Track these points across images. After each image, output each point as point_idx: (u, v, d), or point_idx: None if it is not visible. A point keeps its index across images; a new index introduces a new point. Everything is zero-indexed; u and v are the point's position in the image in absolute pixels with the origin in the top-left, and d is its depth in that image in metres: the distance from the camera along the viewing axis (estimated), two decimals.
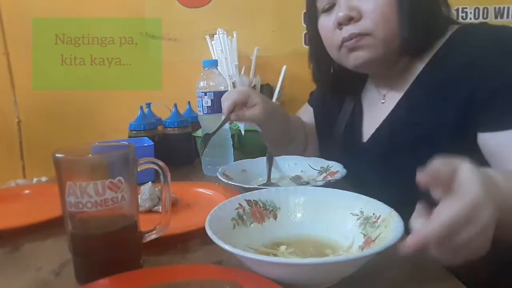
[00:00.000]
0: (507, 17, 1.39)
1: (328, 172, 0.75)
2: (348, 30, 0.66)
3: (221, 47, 1.28)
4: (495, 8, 1.39)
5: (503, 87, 0.56)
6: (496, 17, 1.40)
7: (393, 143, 0.68)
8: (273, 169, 0.79)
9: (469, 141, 0.59)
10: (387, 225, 0.45)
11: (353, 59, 0.69)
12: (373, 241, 0.45)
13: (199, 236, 0.47)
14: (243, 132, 0.79)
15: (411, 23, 0.63)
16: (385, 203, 0.48)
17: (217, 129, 0.78)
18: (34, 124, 1.44)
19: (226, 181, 0.69)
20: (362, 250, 0.46)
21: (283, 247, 0.47)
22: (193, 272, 0.42)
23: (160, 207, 0.51)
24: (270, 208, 0.53)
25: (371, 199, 0.51)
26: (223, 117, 0.76)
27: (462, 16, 1.39)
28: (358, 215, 0.50)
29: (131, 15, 1.41)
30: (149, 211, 0.63)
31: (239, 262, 0.46)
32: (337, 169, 0.73)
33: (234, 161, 0.87)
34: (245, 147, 0.98)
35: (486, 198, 0.35)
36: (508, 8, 1.38)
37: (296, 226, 0.52)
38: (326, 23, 0.71)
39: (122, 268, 0.42)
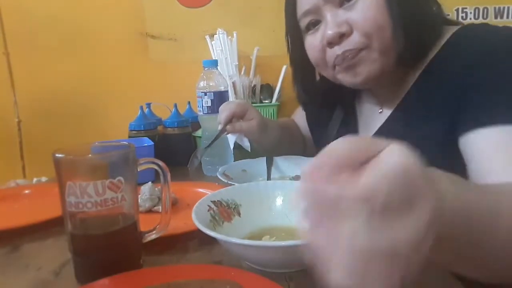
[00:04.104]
0: (507, 17, 1.39)
1: None
2: (341, 48, 0.60)
3: (221, 47, 1.28)
4: (495, 8, 1.39)
5: (487, 84, 0.52)
6: (496, 17, 1.40)
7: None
8: (273, 169, 0.79)
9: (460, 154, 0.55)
10: None
11: (351, 77, 0.63)
12: None
13: (199, 236, 0.47)
14: (231, 147, 0.80)
15: (405, 28, 0.58)
16: None
17: (213, 142, 0.78)
18: (34, 124, 1.44)
19: (226, 181, 0.69)
20: None
21: (266, 237, 0.49)
22: (193, 272, 0.42)
23: (160, 207, 0.51)
24: (233, 206, 0.54)
25: None
26: (219, 128, 0.77)
27: (462, 16, 1.39)
28: None
29: (131, 15, 1.41)
30: (149, 211, 0.63)
31: (239, 262, 0.46)
32: None
33: (234, 161, 0.87)
34: (250, 143, 0.97)
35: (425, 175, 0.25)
36: (508, 8, 1.38)
37: (258, 220, 0.54)
38: (313, 42, 0.64)
39: (122, 268, 0.42)
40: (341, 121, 0.80)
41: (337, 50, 0.61)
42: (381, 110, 0.71)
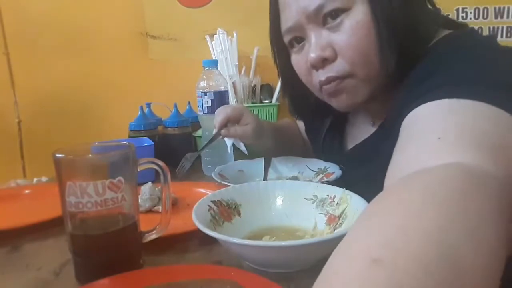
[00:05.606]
0: (507, 17, 1.39)
1: (324, 174, 0.74)
2: (324, 73, 0.57)
3: (221, 47, 1.28)
4: (495, 8, 1.39)
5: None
6: (496, 17, 1.40)
7: (375, 157, 0.59)
8: (270, 170, 0.79)
9: None
10: (347, 202, 0.50)
11: (335, 103, 0.61)
12: (338, 217, 0.49)
13: (199, 236, 0.47)
14: (229, 150, 0.79)
15: (395, 51, 0.52)
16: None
17: (206, 145, 0.78)
18: (34, 124, 1.44)
19: (219, 181, 0.68)
20: (329, 226, 0.49)
21: (266, 237, 0.49)
22: (193, 272, 0.42)
23: (160, 207, 0.51)
24: (233, 206, 0.54)
25: (320, 184, 0.56)
26: (214, 131, 0.76)
27: (462, 16, 1.39)
28: (312, 199, 0.54)
29: (131, 15, 1.41)
30: (149, 211, 0.63)
31: (239, 262, 0.46)
32: (333, 170, 0.72)
33: (234, 161, 0.87)
34: (246, 147, 0.97)
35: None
36: (508, 8, 1.39)
37: (258, 220, 0.54)
38: (299, 62, 0.62)
39: (122, 268, 0.42)
40: (329, 128, 0.78)
41: (321, 75, 0.58)
42: (372, 123, 0.69)
